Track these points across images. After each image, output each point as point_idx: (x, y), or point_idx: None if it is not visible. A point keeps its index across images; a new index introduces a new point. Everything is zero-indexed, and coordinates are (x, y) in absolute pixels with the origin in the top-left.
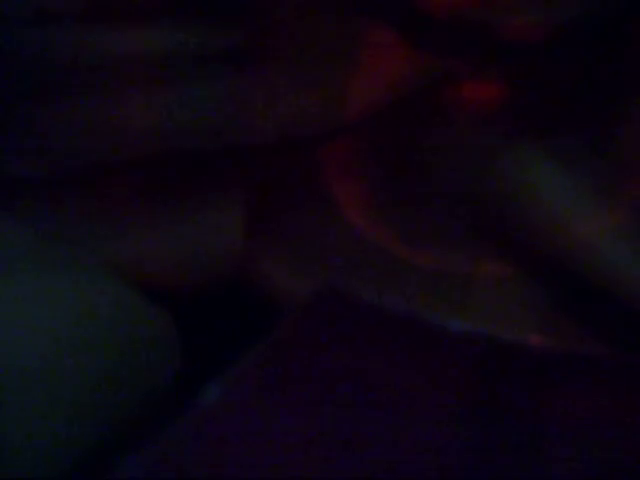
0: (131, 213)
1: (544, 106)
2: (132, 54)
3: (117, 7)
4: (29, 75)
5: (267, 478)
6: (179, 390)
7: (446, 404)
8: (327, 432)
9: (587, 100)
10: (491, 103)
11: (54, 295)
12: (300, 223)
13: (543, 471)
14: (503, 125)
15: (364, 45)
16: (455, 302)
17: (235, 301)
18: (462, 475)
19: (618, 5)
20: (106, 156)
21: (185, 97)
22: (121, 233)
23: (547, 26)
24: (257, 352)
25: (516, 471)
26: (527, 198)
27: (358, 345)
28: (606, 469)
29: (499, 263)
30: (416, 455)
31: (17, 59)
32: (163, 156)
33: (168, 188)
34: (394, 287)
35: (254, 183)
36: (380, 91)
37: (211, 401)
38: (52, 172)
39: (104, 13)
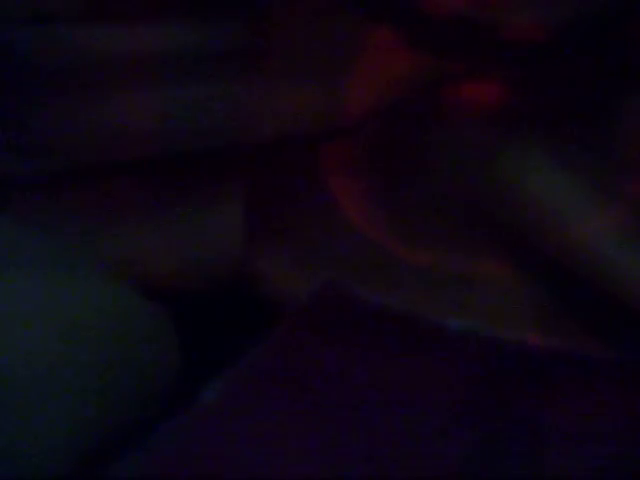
0: (131, 213)
1: (544, 106)
2: (132, 54)
3: (116, 8)
4: (28, 75)
5: (267, 477)
6: (179, 390)
7: (446, 403)
8: (326, 431)
9: (587, 100)
10: (491, 103)
11: (53, 295)
12: (300, 223)
13: (542, 470)
14: (503, 125)
15: (364, 45)
16: (454, 302)
17: (235, 301)
18: (462, 473)
19: (617, 5)
20: (106, 156)
21: (185, 97)
22: (121, 233)
23: (547, 26)
24: (257, 352)
25: (515, 470)
26: (527, 198)
27: (358, 345)
28: (606, 468)
29: (499, 263)
30: (416, 454)
31: (16, 59)
32: (163, 156)
33: (168, 188)
34: (394, 287)
35: (254, 183)
36: (380, 91)
37: (211, 401)
38: (52, 172)
39: (103, 13)
